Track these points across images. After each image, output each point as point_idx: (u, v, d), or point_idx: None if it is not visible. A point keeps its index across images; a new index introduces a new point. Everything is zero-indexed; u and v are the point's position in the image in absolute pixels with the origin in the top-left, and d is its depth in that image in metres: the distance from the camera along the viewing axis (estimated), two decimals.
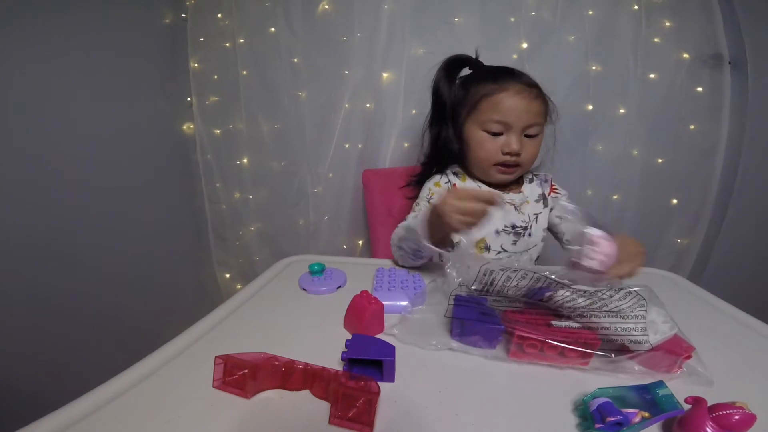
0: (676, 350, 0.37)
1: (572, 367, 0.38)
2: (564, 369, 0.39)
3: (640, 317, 0.38)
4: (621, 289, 0.40)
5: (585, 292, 0.40)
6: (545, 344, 0.38)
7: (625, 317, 0.38)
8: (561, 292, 0.40)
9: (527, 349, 0.39)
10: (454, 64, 0.79)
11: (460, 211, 0.52)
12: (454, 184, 0.79)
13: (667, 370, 0.38)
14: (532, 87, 0.72)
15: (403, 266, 0.70)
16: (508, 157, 0.72)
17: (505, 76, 0.72)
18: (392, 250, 0.72)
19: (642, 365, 0.38)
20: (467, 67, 0.80)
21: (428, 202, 0.78)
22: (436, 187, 0.80)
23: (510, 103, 0.70)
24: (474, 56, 0.80)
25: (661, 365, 0.38)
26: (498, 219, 0.75)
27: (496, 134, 0.72)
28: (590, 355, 0.38)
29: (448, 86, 0.78)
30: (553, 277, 0.41)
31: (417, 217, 0.68)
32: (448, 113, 0.78)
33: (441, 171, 0.82)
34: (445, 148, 0.79)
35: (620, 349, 0.38)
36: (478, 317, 0.41)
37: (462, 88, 0.77)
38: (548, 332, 0.39)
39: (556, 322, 0.40)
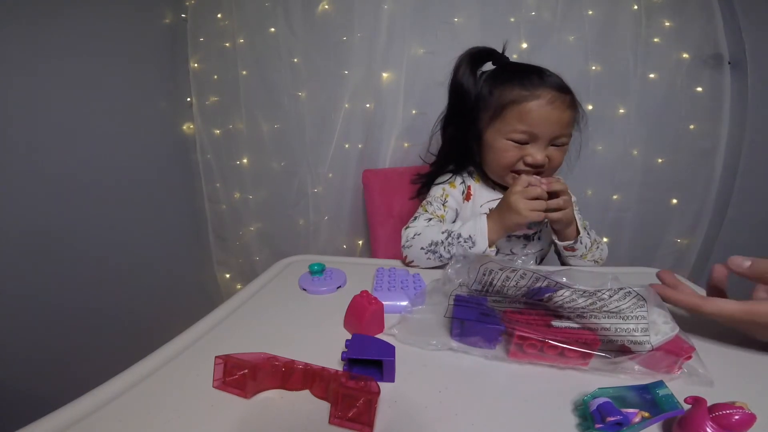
0: (676, 351, 0.37)
1: (572, 368, 0.38)
2: (564, 369, 0.39)
3: (640, 318, 0.37)
4: (621, 289, 0.40)
5: (585, 292, 0.40)
6: (545, 344, 0.38)
7: (626, 318, 0.38)
8: (561, 292, 0.40)
9: (527, 349, 0.39)
10: (476, 56, 0.71)
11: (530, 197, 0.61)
12: (469, 186, 0.77)
13: (667, 370, 0.38)
14: (565, 93, 0.65)
15: (411, 266, 0.67)
16: (528, 168, 0.67)
17: (534, 78, 0.65)
18: (410, 252, 0.67)
19: (642, 365, 0.38)
20: (490, 62, 0.73)
21: (443, 204, 0.74)
22: (451, 188, 0.76)
23: (540, 114, 0.63)
24: (501, 50, 0.73)
25: (661, 366, 0.37)
26: None
27: (520, 143, 0.67)
28: (590, 355, 0.38)
29: (473, 80, 0.70)
30: (552, 276, 0.41)
31: (464, 225, 0.65)
32: (471, 109, 0.71)
33: (458, 171, 0.78)
34: (462, 146, 0.74)
35: (620, 349, 0.38)
36: (477, 317, 0.41)
37: (486, 88, 0.70)
38: (548, 332, 0.39)
39: (556, 323, 0.40)
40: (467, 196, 0.76)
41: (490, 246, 0.64)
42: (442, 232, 0.65)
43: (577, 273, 0.44)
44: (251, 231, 1.35)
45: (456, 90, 0.72)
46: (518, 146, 0.67)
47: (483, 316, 0.41)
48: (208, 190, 1.34)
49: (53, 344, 0.85)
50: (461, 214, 0.76)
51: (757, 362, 0.42)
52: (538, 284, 0.42)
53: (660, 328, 0.38)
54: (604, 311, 0.38)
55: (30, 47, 0.79)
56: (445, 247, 0.64)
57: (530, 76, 0.66)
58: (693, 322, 0.44)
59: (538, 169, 0.67)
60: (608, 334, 0.38)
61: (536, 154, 0.66)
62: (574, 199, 0.83)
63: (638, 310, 0.38)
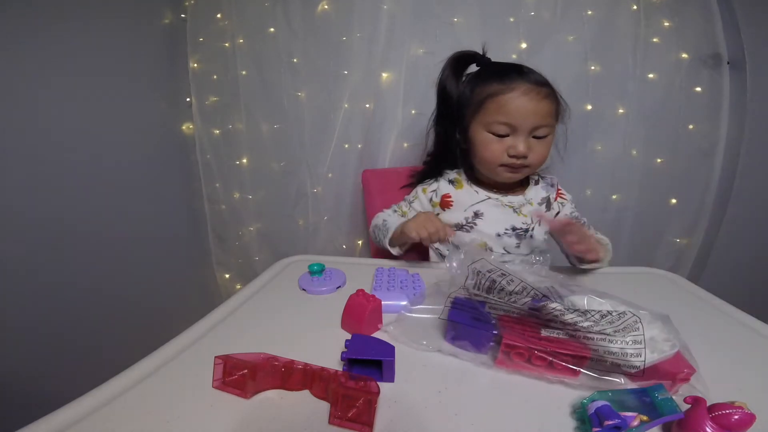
0: (672, 373, 0.35)
1: (561, 381, 0.37)
2: (553, 383, 0.37)
3: (630, 341, 0.35)
4: (617, 311, 0.38)
5: (576, 310, 0.38)
6: (533, 355, 0.37)
7: (614, 341, 0.36)
8: (553, 305, 0.39)
9: (514, 358, 0.38)
10: (460, 60, 0.76)
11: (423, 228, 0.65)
12: (448, 194, 0.78)
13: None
14: (541, 86, 0.68)
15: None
16: (514, 160, 0.69)
17: (512, 74, 0.68)
18: (371, 230, 0.81)
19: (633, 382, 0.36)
20: (474, 64, 0.77)
21: (410, 204, 0.82)
22: (423, 194, 0.80)
23: (517, 104, 0.66)
24: (481, 53, 0.77)
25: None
26: (497, 222, 0.74)
27: (501, 136, 0.69)
28: (579, 369, 0.36)
29: (455, 83, 0.75)
30: (538, 289, 0.40)
31: (400, 218, 0.76)
32: (455, 111, 0.75)
33: (436, 176, 0.81)
34: (451, 146, 0.78)
35: (610, 368, 0.36)
36: (471, 322, 0.41)
37: (468, 86, 0.74)
38: (539, 342, 0.37)
39: (546, 332, 0.39)
40: (447, 204, 0.78)
41: (390, 245, 0.73)
42: (383, 220, 0.78)
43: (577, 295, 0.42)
44: (251, 231, 1.35)
45: (442, 92, 0.77)
46: (499, 139, 0.69)
47: (476, 321, 0.41)
48: (208, 191, 1.34)
49: (53, 344, 0.85)
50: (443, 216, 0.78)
51: (757, 362, 0.42)
52: (540, 287, 0.41)
53: (657, 345, 0.36)
54: (594, 331, 0.37)
55: (29, 47, 0.79)
56: (375, 233, 0.77)
57: (508, 72, 0.69)
58: (693, 322, 0.44)
59: (522, 161, 0.69)
60: (598, 352, 0.36)
61: (518, 144, 0.68)
62: (570, 196, 0.82)
63: (630, 334, 0.36)
